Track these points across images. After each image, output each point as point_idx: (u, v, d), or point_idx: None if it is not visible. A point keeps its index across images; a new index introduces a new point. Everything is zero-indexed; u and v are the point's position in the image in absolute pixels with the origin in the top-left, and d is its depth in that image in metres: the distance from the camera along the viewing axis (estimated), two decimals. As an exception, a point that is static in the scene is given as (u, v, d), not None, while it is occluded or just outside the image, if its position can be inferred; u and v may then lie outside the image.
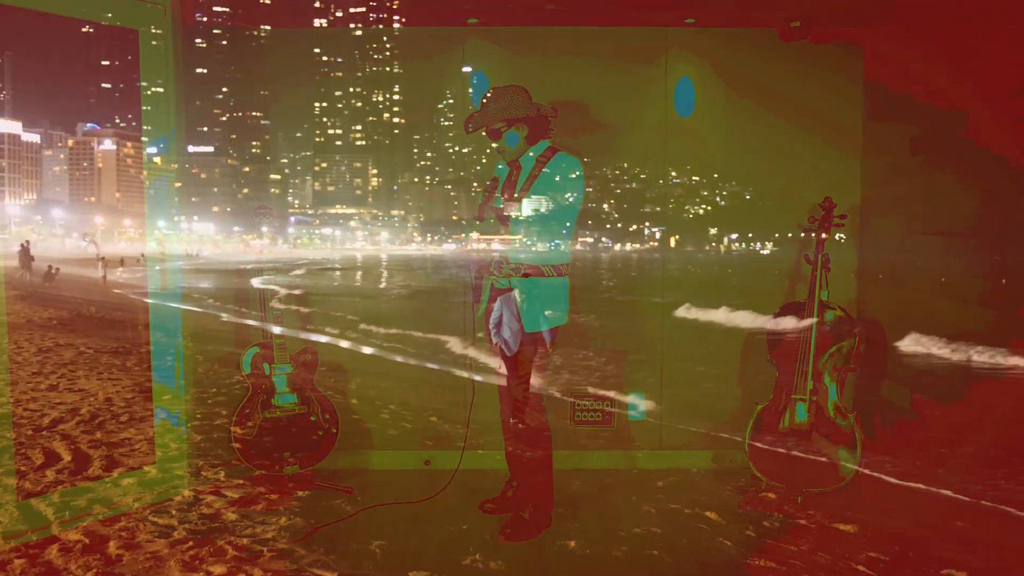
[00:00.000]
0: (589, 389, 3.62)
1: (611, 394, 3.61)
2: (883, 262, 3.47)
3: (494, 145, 2.89)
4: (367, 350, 3.58)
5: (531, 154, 2.84)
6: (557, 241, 2.81)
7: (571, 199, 2.79)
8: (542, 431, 2.86)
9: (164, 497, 3.06)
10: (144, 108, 3.17)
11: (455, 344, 3.35)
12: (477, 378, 3.14)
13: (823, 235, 3.10)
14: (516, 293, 2.80)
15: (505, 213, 2.83)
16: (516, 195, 2.82)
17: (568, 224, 2.81)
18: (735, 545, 2.69)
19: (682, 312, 3.51)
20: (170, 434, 3.07)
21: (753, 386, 3.47)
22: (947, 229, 2.97)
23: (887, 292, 3.44)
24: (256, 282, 3.20)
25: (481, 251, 2.87)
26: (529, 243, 2.79)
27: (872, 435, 3.33)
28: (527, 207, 2.81)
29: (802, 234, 3.40)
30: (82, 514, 2.76)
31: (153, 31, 3.16)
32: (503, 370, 2.93)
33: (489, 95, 2.82)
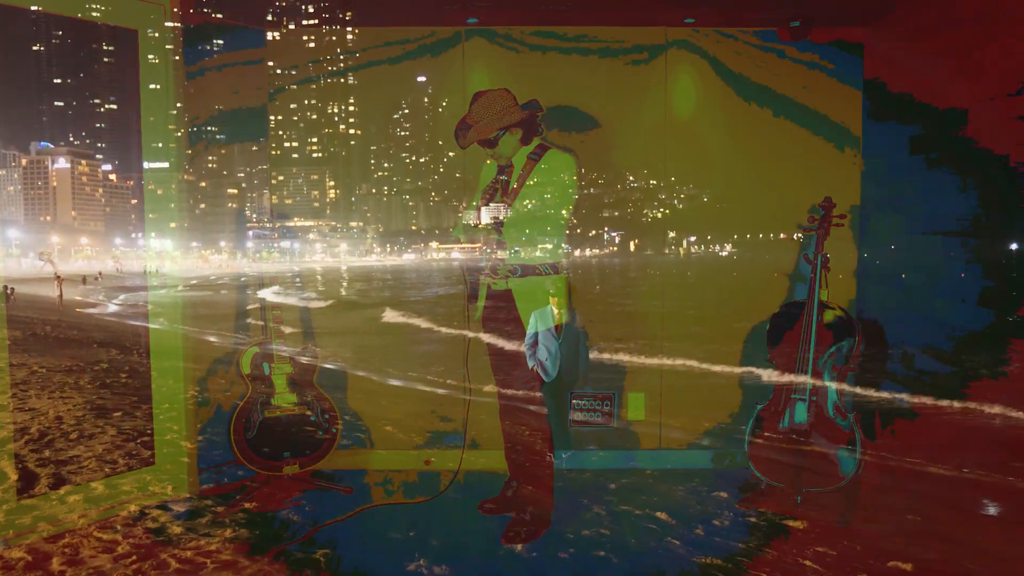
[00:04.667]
0: (588, 388, 3.62)
1: (611, 393, 3.61)
2: (883, 262, 3.47)
3: (489, 154, 2.88)
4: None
5: (523, 153, 2.85)
6: (551, 239, 2.80)
7: (565, 196, 2.79)
8: (543, 431, 2.86)
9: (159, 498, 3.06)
10: (147, 119, 3.16)
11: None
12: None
13: (823, 235, 3.10)
14: (552, 305, 2.78)
15: (498, 214, 2.83)
16: (509, 195, 2.82)
17: (562, 222, 2.81)
18: (683, 544, 2.70)
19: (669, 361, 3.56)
20: (119, 450, 3.02)
21: (753, 386, 3.47)
22: (947, 229, 2.96)
23: (887, 292, 3.44)
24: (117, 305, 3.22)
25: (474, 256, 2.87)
26: (523, 243, 2.79)
27: (872, 435, 3.33)
28: (520, 207, 2.80)
29: (798, 235, 3.42)
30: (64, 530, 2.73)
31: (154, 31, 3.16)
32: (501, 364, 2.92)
33: (476, 104, 2.81)
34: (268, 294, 3.32)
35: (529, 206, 2.79)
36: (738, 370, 3.51)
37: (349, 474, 3.50)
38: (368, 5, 3.34)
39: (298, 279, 3.46)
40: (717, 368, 3.50)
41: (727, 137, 3.58)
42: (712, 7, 3.30)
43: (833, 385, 3.05)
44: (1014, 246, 2.63)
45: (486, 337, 2.98)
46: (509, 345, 2.86)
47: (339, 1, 3.35)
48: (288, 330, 3.32)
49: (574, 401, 3.60)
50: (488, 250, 2.84)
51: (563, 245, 2.84)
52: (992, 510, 2.69)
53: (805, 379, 3.06)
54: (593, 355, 3.61)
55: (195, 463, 3.32)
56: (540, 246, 2.80)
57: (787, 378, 3.11)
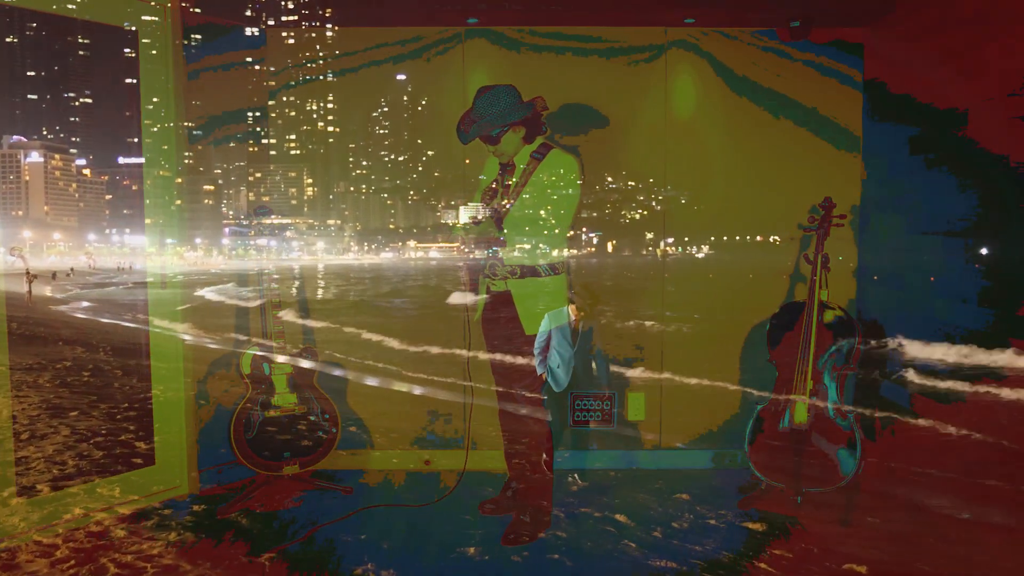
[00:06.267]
0: (588, 388, 3.62)
1: (611, 393, 3.61)
2: (883, 262, 3.47)
3: (491, 151, 2.84)
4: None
5: (526, 152, 2.82)
6: (552, 240, 2.78)
7: (566, 197, 2.76)
8: (543, 432, 2.85)
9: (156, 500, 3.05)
10: (145, 121, 3.15)
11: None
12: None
13: (823, 235, 3.11)
14: (569, 309, 2.76)
15: (499, 213, 2.80)
16: (511, 194, 2.80)
17: (563, 223, 2.78)
18: (639, 547, 2.69)
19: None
20: (70, 451, 2.98)
21: (753, 386, 3.48)
22: (947, 229, 2.96)
23: (887, 292, 3.44)
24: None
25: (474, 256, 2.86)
26: (524, 243, 2.77)
27: (872, 435, 3.33)
28: (522, 206, 2.78)
29: (774, 237, 3.46)
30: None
31: (152, 30, 3.17)
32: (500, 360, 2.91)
33: (480, 99, 2.76)
34: (209, 292, 3.29)
35: (530, 206, 2.77)
36: (736, 387, 3.54)
37: (349, 474, 3.50)
38: (368, 5, 3.34)
39: (275, 278, 3.44)
40: (719, 384, 3.53)
41: (727, 137, 3.58)
42: (712, 7, 3.30)
43: (833, 385, 3.05)
44: (1014, 246, 2.63)
45: (486, 339, 2.97)
46: (508, 346, 2.84)
47: (339, 0, 3.35)
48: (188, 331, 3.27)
49: (575, 401, 3.60)
50: (479, 250, 2.82)
51: (560, 245, 2.81)
52: (957, 510, 2.69)
53: (805, 379, 3.06)
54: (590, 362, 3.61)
55: (195, 463, 3.32)
56: (540, 247, 2.77)
57: (787, 378, 3.11)
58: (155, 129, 3.08)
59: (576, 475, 3.51)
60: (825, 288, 3.08)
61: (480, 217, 2.76)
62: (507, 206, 2.79)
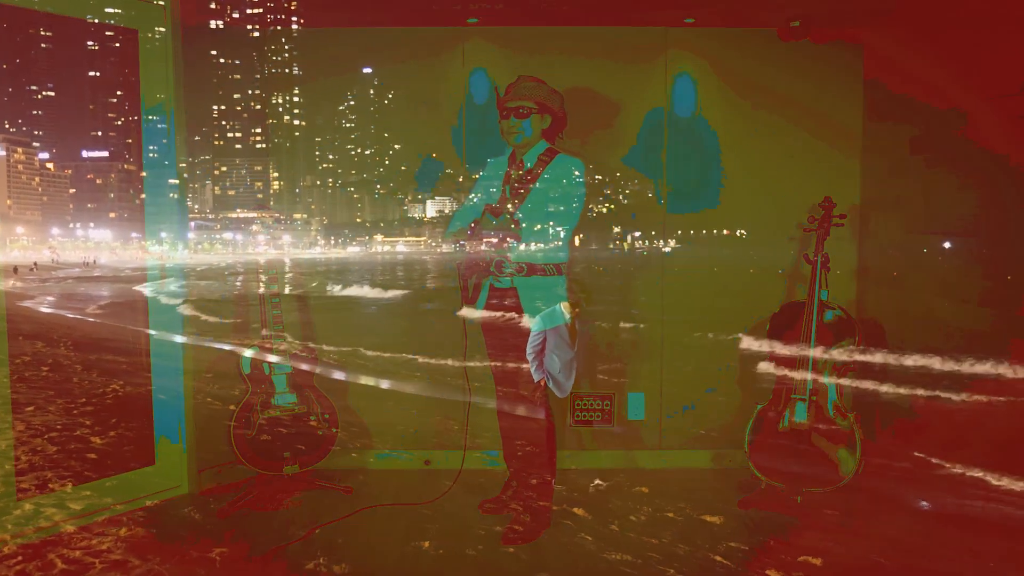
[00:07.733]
0: (588, 388, 3.62)
1: (611, 393, 3.61)
2: (883, 262, 3.47)
3: (509, 125, 2.85)
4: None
5: (535, 153, 2.86)
6: (557, 240, 2.80)
7: (572, 199, 2.80)
8: (544, 432, 2.85)
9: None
10: (146, 121, 3.14)
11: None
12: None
13: (823, 235, 3.11)
14: (563, 307, 2.79)
15: (507, 211, 2.83)
16: (517, 194, 2.83)
17: (569, 224, 2.82)
18: (595, 540, 2.70)
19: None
20: (22, 447, 2.96)
21: (753, 386, 3.48)
22: (947, 229, 2.96)
23: (887, 292, 3.44)
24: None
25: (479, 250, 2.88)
26: (530, 242, 2.80)
27: (872, 435, 3.33)
28: (529, 205, 2.80)
29: (741, 231, 3.46)
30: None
31: (154, 30, 3.17)
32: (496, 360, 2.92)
33: (524, 77, 2.86)
34: (146, 290, 3.26)
35: (538, 205, 2.80)
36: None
37: (349, 474, 3.50)
38: (369, 5, 3.34)
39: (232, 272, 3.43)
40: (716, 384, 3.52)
41: (727, 137, 3.58)
42: (712, 7, 3.30)
43: (833, 385, 3.05)
44: (1014, 246, 2.63)
45: (487, 336, 2.97)
46: (510, 344, 2.85)
47: (340, 2, 3.35)
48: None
49: (575, 401, 3.60)
50: (484, 246, 2.85)
51: (565, 246, 2.83)
52: (953, 510, 2.69)
53: (805, 379, 3.06)
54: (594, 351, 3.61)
55: (195, 463, 3.32)
56: (547, 245, 2.80)
57: (786, 376, 3.10)
58: (119, 122, 3.07)
59: (574, 475, 3.51)
60: (825, 288, 3.08)
61: (509, 215, 2.81)
62: (515, 204, 2.82)
